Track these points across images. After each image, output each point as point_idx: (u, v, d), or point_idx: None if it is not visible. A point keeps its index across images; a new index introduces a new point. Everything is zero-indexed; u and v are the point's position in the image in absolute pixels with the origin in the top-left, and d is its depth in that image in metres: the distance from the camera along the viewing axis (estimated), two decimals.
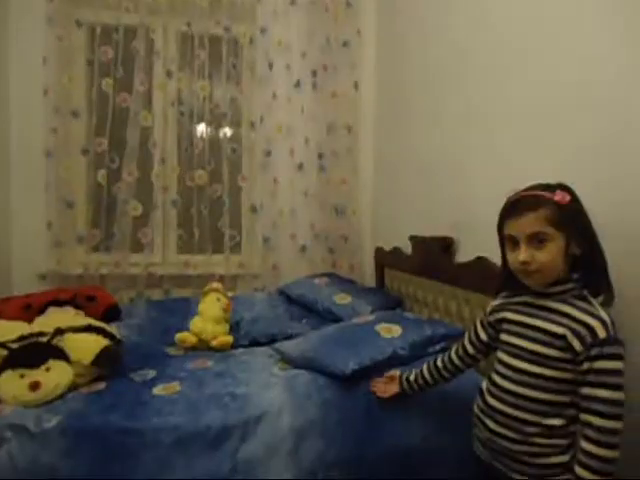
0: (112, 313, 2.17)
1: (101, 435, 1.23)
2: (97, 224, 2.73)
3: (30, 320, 1.90)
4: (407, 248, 2.34)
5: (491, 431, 1.05)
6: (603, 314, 0.96)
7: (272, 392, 1.38)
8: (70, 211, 2.70)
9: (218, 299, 1.97)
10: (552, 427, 0.97)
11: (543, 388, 0.98)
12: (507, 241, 1.05)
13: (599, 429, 0.90)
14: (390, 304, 2.27)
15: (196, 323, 1.87)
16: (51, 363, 1.34)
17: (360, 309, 2.14)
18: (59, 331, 1.41)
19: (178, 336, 1.85)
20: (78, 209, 2.74)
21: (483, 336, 1.20)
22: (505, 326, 1.10)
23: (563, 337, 0.96)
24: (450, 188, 2.01)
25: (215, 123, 2.88)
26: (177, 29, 2.83)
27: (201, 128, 2.88)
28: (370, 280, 2.93)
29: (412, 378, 1.34)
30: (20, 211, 2.68)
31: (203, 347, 1.84)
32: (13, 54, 2.63)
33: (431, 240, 2.06)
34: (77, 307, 2.04)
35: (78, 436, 1.22)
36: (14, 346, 1.34)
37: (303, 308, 2.30)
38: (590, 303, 0.99)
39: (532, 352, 1.00)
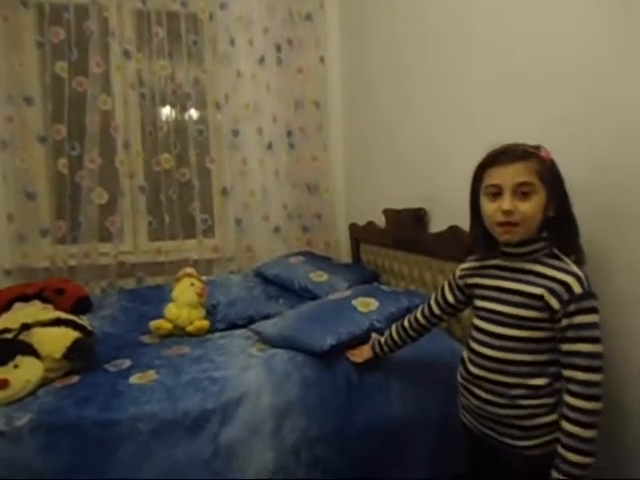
0: (82, 305, 2.11)
1: (76, 429, 1.19)
2: (62, 214, 2.63)
3: None
4: (381, 222, 2.34)
5: (478, 398, 1.05)
6: (576, 269, 0.97)
7: (251, 373, 1.36)
8: (32, 202, 2.59)
9: (192, 284, 1.93)
10: (537, 387, 0.98)
11: (524, 350, 0.99)
12: (486, 192, 1.02)
13: (583, 382, 0.92)
14: (367, 279, 2.27)
15: (170, 309, 1.83)
16: (19, 360, 1.29)
17: (337, 285, 2.14)
18: (25, 326, 1.36)
19: (153, 323, 1.81)
20: (40, 200, 2.63)
21: (450, 298, 1.21)
22: (478, 292, 1.10)
23: (540, 297, 0.96)
24: (421, 160, 2.01)
25: (179, 104, 2.79)
26: (132, 6, 2.70)
27: (165, 110, 2.78)
28: (346, 256, 2.93)
29: (382, 340, 1.37)
30: None
31: (179, 333, 1.81)
32: None
33: (404, 212, 2.05)
34: (45, 301, 1.97)
35: (52, 432, 1.18)
36: None
37: (280, 288, 2.28)
38: (562, 260, 0.99)
39: (510, 315, 1.00)
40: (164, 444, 1.22)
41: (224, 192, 2.83)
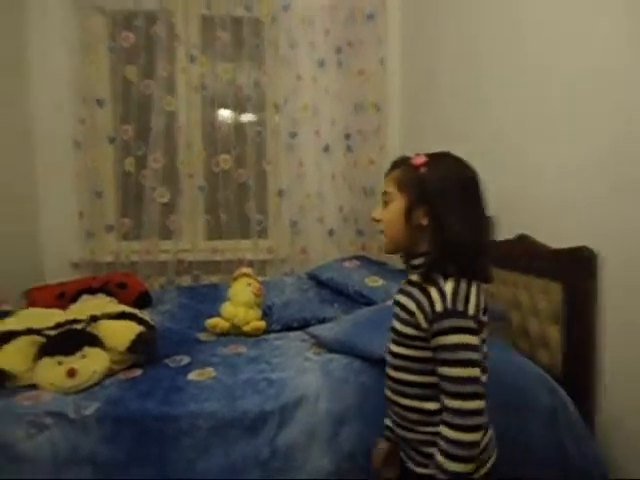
0: (143, 300, 2.17)
1: (139, 421, 1.22)
2: (126, 212, 2.74)
3: (64, 308, 1.94)
4: None
5: (392, 420, 1.01)
6: (445, 284, 0.88)
7: (308, 377, 1.35)
8: (100, 200, 2.71)
9: (249, 284, 1.95)
10: (430, 412, 0.92)
11: (414, 370, 0.93)
12: None
13: (449, 410, 0.85)
14: None
15: (227, 308, 1.85)
16: (87, 350, 1.33)
17: (393, 292, 2.06)
18: (93, 318, 1.41)
19: (209, 322, 1.84)
20: (107, 198, 2.74)
21: None
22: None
23: (412, 313, 0.91)
24: (489, 164, 1.92)
25: (239, 107, 2.83)
26: (197, 12, 2.78)
27: (225, 112, 2.84)
28: (401, 262, 2.86)
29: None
30: (51, 201, 2.69)
31: (235, 332, 1.82)
32: (35, 44, 2.62)
33: None
34: (109, 294, 2.05)
35: (116, 423, 1.21)
36: (50, 333, 1.34)
37: (333, 292, 2.26)
38: (436, 274, 0.90)
39: (397, 332, 0.96)
40: (222, 443, 1.23)
41: (280, 194, 2.85)
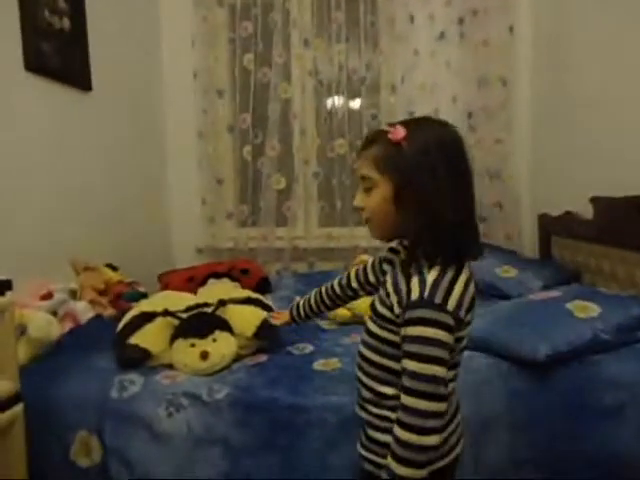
0: (263, 285, 2.20)
1: (268, 409, 1.20)
2: (244, 199, 2.81)
3: (193, 291, 2.02)
4: (584, 212, 1.99)
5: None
6: (429, 273, 0.79)
7: None
8: (220, 188, 2.81)
9: None
10: (382, 395, 0.87)
11: (380, 351, 0.87)
12: None
13: (402, 407, 0.77)
14: (564, 278, 1.95)
15: None
16: (217, 334, 1.35)
17: (529, 284, 1.88)
18: (222, 302, 1.43)
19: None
20: (227, 185, 2.85)
21: (371, 277, 1.10)
22: (382, 280, 0.95)
23: (389, 294, 0.85)
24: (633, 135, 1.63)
25: (353, 89, 2.75)
26: None
27: (339, 96, 2.77)
28: (530, 251, 2.59)
29: (300, 303, 1.28)
30: (178, 189, 2.86)
31: (357, 321, 1.75)
32: (164, 38, 2.78)
33: (621, 201, 1.69)
34: (233, 279, 2.11)
35: (247, 409, 1.21)
36: (183, 316, 1.38)
37: None
38: (421, 264, 0.81)
39: (374, 309, 0.90)
40: (349, 438, 1.16)
41: None
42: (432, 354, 0.75)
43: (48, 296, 1.70)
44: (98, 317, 1.81)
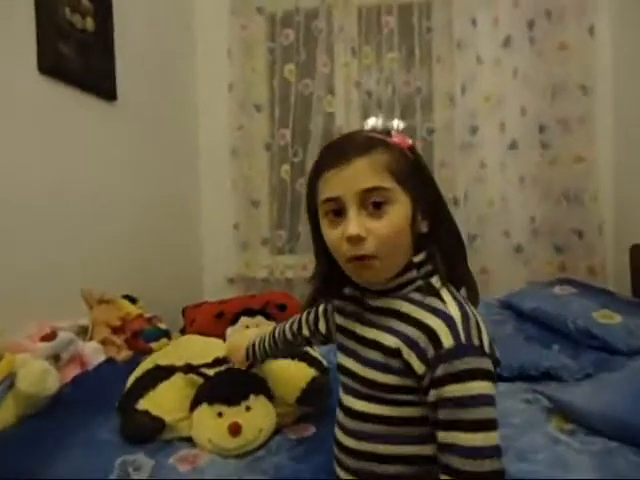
0: None
1: None
2: (282, 224, 2.52)
3: (222, 331, 1.72)
4: None
5: None
6: (451, 308, 0.63)
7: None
8: (255, 211, 2.53)
9: None
10: None
11: (390, 438, 0.64)
12: (323, 212, 0.68)
13: None
14: None
15: None
16: (252, 400, 1.03)
17: (638, 333, 1.49)
18: None
19: None
20: (263, 208, 2.56)
21: (321, 325, 0.90)
22: (339, 338, 0.77)
23: (396, 352, 0.63)
24: None
25: (406, 102, 2.45)
26: (360, 1, 2.47)
27: (389, 109, 2.47)
28: (619, 287, 2.18)
29: (257, 343, 1.04)
30: (209, 212, 2.60)
31: None
32: (199, 48, 2.56)
33: None
34: (268, 317, 1.79)
35: None
36: (210, 373, 1.06)
37: (541, 327, 1.71)
38: (437, 294, 0.65)
39: (363, 380, 0.68)
40: None
41: (455, 202, 2.37)
42: (489, 417, 0.57)
43: (51, 336, 1.42)
44: (109, 361, 1.52)
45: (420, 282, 0.68)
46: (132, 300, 1.86)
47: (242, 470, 0.93)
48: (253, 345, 1.05)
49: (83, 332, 1.65)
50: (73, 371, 1.43)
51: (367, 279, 0.67)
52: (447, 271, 0.68)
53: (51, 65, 1.55)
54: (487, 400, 0.58)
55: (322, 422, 1.12)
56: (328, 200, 0.66)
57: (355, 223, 0.63)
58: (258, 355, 1.04)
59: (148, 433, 1.01)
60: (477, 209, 2.32)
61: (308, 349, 1.23)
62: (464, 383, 0.58)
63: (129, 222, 1.98)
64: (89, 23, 1.74)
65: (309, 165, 2.42)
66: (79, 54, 1.69)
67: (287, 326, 1.00)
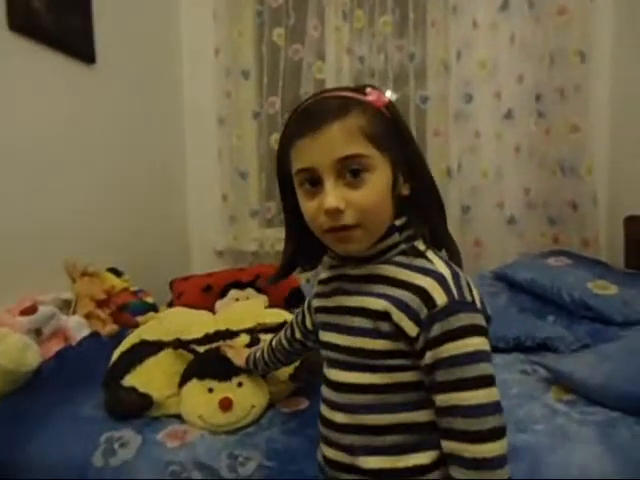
0: (295, 297, 1.83)
1: None
2: (271, 196, 2.45)
3: (210, 304, 1.67)
4: None
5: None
6: (442, 267, 0.61)
7: (580, 451, 0.83)
8: (244, 182, 2.46)
9: None
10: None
11: (384, 407, 0.61)
12: (298, 183, 0.63)
13: (468, 462, 0.54)
14: None
15: None
16: (243, 376, 0.99)
17: (637, 305, 1.47)
18: (251, 331, 1.06)
19: None
20: (252, 179, 2.49)
21: (308, 323, 0.86)
22: (320, 317, 0.73)
23: (385, 315, 0.60)
24: None
25: (399, 68, 2.36)
26: None
27: (381, 76, 2.38)
28: (613, 259, 2.17)
29: (257, 355, 0.98)
30: (196, 183, 2.52)
31: None
32: (184, 11, 2.43)
33: None
34: (258, 290, 1.75)
35: None
36: (200, 349, 1.02)
37: (535, 298, 1.69)
38: (425, 257, 0.62)
39: (349, 349, 0.64)
40: None
41: (449, 172, 2.32)
42: (488, 372, 0.56)
43: (31, 310, 1.36)
44: (94, 335, 1.48)
45: (403, 245, 0.64)
46: (117, 273, 1.80)
47: (233, 445, 0.90)
48: (254, 355, 0.99)
49: (66, 306, 1.60)
50: (56, 346, 1.38)
51: (348, 250, 0.63)
52: (429, 234, 0.65)
53: (22, 22, 1.44)
54: (484, 356, 0.56)
55: (316, 396, 1.09)
56: (302, 170, 0.61)
57: (332, 195, 0.58)
58: (259, 367, 0.98)
59: (135, 410, 0.97)
60: (471, 180, 2.28)
61: None
62: (461, 340, 0.56)
63: (113, 193, 1.90)
64: None
65: None
66: (53, 11, 1.57)
67: (282, 334, 0.94)
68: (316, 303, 0.75)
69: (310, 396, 1.09)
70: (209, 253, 2.51)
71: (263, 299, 1.47)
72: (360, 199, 0.58)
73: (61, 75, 1.65)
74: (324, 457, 0.69)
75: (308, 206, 0.62)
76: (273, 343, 0.95)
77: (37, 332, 1.34)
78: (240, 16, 2.42)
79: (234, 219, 2.45)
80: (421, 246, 0.64)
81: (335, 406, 0.66)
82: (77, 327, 1.48)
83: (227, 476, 0.84)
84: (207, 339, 1.04)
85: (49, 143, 1.59)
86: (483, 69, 2.25)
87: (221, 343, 1.05)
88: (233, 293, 1.67)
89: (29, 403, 1.07)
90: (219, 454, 0.88)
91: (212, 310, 1.60)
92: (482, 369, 0.55)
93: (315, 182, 0.60)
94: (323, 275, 0.74)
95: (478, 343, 0.56)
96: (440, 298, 0.57)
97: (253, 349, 1.01)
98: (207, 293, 1.74)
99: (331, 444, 0.67)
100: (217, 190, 2.46)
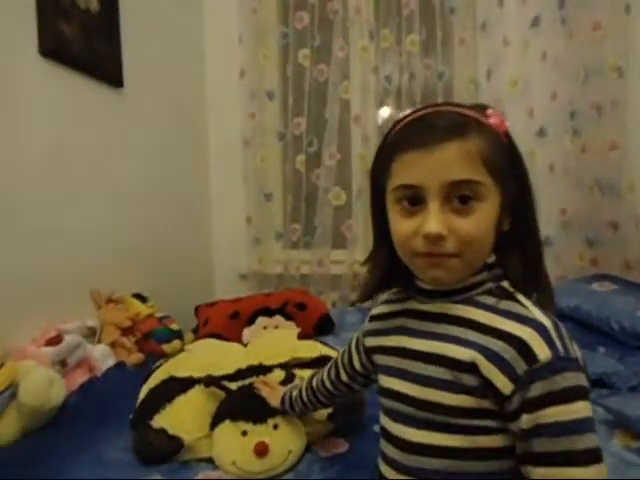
0: (325, 325, 1.76)
1: None
2: (296, 217, 2.40)
3: (238, 332, 1.62)
4: None
5: None
6: (539, 314, 0.53)
7: None
8: (268, 204, 2.42)
9: None
10: None
11: (463, 476, 0.52)
12: (394, 199, 0.57)
13: None
14: None
15: None
16: (279, 418, 0.92)
17: None
18: (285, 366, 0.99)
19: None
20: (276, 201, 2.45)
21: (356, 364, 0.78)
22: (379, 359, 0.65)
23: (471, 366, 0.52)
24: None
25: (428, 87, 2.32)
26: None
27: (410, 94, 2.34)
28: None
29: (294, 395, 0.90)
30: (220, 206, 2.49)
31: None
32: (209, 35, 2.44)
33: None
34: (287, 317, 1.68)
35: None
36: (232, 386, 0.95)
37: (581, 327, 1.59)
38: (518, 300, 0.55)
39: (420, 402, 0.55)
40: None
41: None
42: (595, 444, 0.48)
43: (56, 340, 1.32)
44: (119, 365, 1.43)
45: (490, 284, 0.58)
46: (142, 299, 1.76)
47: None
48: (290, 395, 0.91)
49: (91, 334, 1.56)
50: (81, 377, 1.34)
51: (438, 277, 0.56)
52: (522, 276, 0.58)
53: (53, 47, 1.43)
54: (592, 425, 0.49)
55: (355, 437, 1.02)
56: (403, 187, 0.55)
57: (436, 220, 0.52)
58: (296, 409, 0.90)
59: (165, 454, 0.90)
60: None
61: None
62: (567, 404, 0.48)
63: (136, 217, 1.87)
64: (93, 3, 1.62)
65: (325, 155, 2.31)
66: (83, 37, 1.57)
67: (325, 375, 0.86)
68: (371, 342, 0.68)
69: (349, 438, 1.02)
70: (233, 276, 2.46)
71: (295, 329, 1.40)
72: (466, 228, 0.53)
73: (90, 99, 1.64)
74: None
75: (402, 226, 0.56)
76: (314, 383, 0.87)
77: (62, 363, 1.30)
78: (265, 38, 2.41)
79: (259, 241, 2.41)
80: (509, 288, 0.57)
81: (399, 468, 0.58)
82: (102, 357, 1.44)
83: None
84: (239, 375, 0.98)
85: (77, 166, 1.57)
86: (514, 87, 2.18)
87: (254, 379, 0.99)
88: (261, 320, 1.61)
89: (51, 443, 1.02)
90: None
91: (239, 338, 1.55)
92: (592, 440, 0.48)
93: (416, 201, 0.55)
94: (379, 310, 0.68)
95: (585, 408, 0.49)
96: (543, 353, 0.50)
97: (288, 387, 0.94)
98: (234, 320, 1.68)
99: None
100: (241, 212, 2.42)
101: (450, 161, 0.52)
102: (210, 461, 0.92)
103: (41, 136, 1.42)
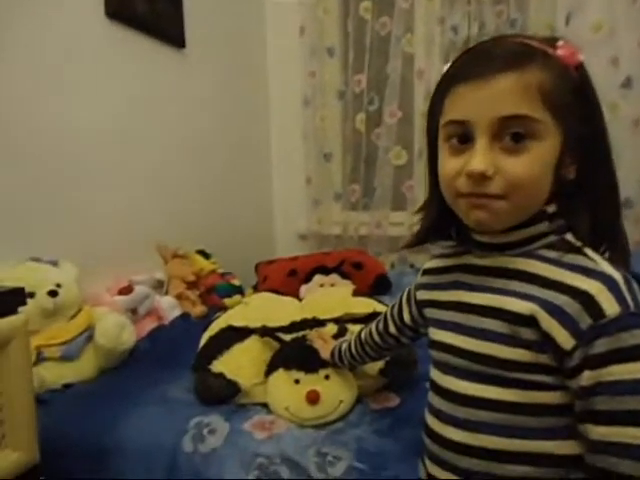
0: (382, 284, 1.76)
1: None
2: (356, 178, 2.37)
3: (295, 288, 1.65)
4: None
5: None
6: (608, 267, 0.49)
7: None
8: (328, 164, 2.40)
9: None
10: None
11: (517, 431, 0.51)
12: (443, 138, 0.54)
13: None
14: None
15: None
16: (330, 370, 0.93)
17: None
18: (338, 321, 1.01)
19: None
20: (336, 161, 2.43)
21: (406, 315, 0.76)
22: (432, 314, 0.63)
23: (530, 319, 0.49)
24: None
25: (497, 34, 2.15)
26: None
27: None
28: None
29: (344, 347, 0.90)
30: (281, 166, 2.51)
31: None
32: None
33: None
34: (343, 276, 1.69)
35: None
36: (287, 338, 0.98)
37: None
38: (584, 253, 0.51)
39: (476, 355, 0.53)
40: None
41: None
42: None
43: (128, 290, 1.42)
44: (184, 316, 1.51)
45: (552, 237, 0.54)
46: (206, 255, 1.83)
47: (321, 441, 0.86)
48: (340, 348, 0.92)
49: (159, 286, 1.65)
50: (150, 325, 1.43)
51: (481, 220, 0.52)
52: (591, 229, 0.53)
53: (117, 9, 1.47)
54: None
55: (407, 393, 1.03)
56: (453, 122, 0.52)
57: (481, 157, 0.49)
58: (345, 361, 0.91)
59: (224, 397, 0.96)
60: None
61: None
62: (633, 363, 0.45)
63: (199, 177, 1.93)
64: None
65: (386, 113, 2.24)
66: None
67: (374, 327, 0.85)
68: (424, 296, 0.66)
69: (400, 393, 1.02)
70: (293, 236, 2.50)
71: (350, 286, 1.41)
72: (515, 169, 0.49)
73: (153, 59, 1.68)
74: (429, 475, 0.61)
75: (447, 164, 0.53)
76: (362, 336, 0.87)
77: (133, 311, 1.40)
78: None
79: (318, 202, 2.41)
80: (576, 241, 0.53)
81: (449, 420, 0.58)
82: (169, 307, 1.53)
83: (316, 475, 0.79)
84: (294, 327, 1.01)
85: (141, 126, 1.63)
86: (597, 32, 1.98)
87: (308, 332, 1.01)
88: (318, 278, 1.63)
89: (123, 382, 1.11)
90: (307, 450, 0.84)
91: (297, 295, 1.58)
92: None
93: (466, 139, 0.52)
94: (433, 264, 0.66)
95: None
96: (611, 307, 0.47)
97: (338, 341, 0.96)
98: (292, 277, 1.71)
99: (442, 464, 0.59)
100: (301, 173, 2.43)
101: (503, 94, 0.48)
102: (265, 406, 0.97)
103: (108, 95, 1.48)
